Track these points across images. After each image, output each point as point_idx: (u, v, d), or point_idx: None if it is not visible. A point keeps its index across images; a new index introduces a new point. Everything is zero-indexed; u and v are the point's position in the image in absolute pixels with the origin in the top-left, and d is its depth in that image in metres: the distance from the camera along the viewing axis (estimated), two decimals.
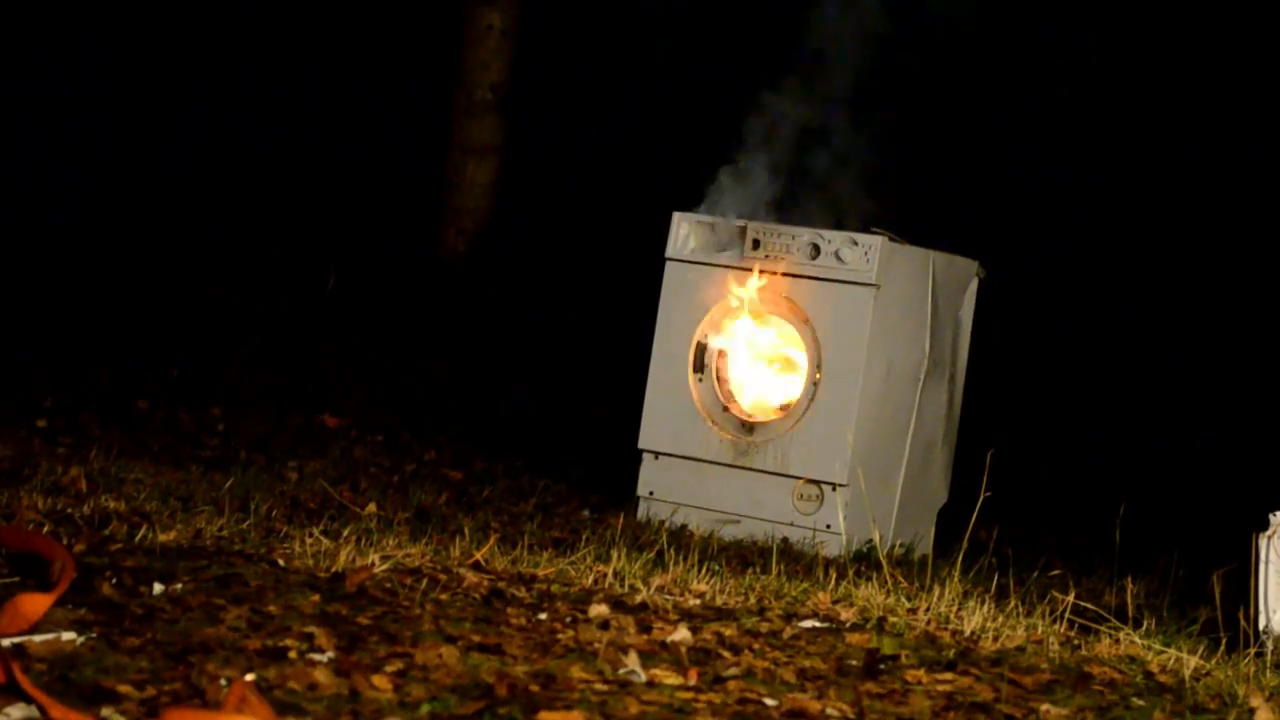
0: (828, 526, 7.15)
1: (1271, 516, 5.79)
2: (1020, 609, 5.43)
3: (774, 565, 6.04)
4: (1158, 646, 5.00)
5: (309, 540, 5.32)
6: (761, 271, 7.33)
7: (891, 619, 5.10)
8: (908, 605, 5.30)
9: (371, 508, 6.69)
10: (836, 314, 7.22)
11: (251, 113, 13.53)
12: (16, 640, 3.81)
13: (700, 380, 7.46)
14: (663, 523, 7.27)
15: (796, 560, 6.65)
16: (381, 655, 4.05)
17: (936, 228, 7.82)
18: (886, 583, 5.58)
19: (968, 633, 5.01)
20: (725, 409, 7.44)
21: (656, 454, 7.53)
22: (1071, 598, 5.42)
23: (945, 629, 5.05)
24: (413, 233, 12.25)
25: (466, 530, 6.11)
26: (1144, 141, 12.04)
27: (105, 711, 3.39)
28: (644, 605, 5.02)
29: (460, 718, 3.61)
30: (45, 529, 5.17)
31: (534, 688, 3.90)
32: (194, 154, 13.17)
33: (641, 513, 7.51)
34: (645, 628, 4.67)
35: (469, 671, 3.98)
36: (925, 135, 7.85)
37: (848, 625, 5.02)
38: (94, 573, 4.56)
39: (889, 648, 4.71)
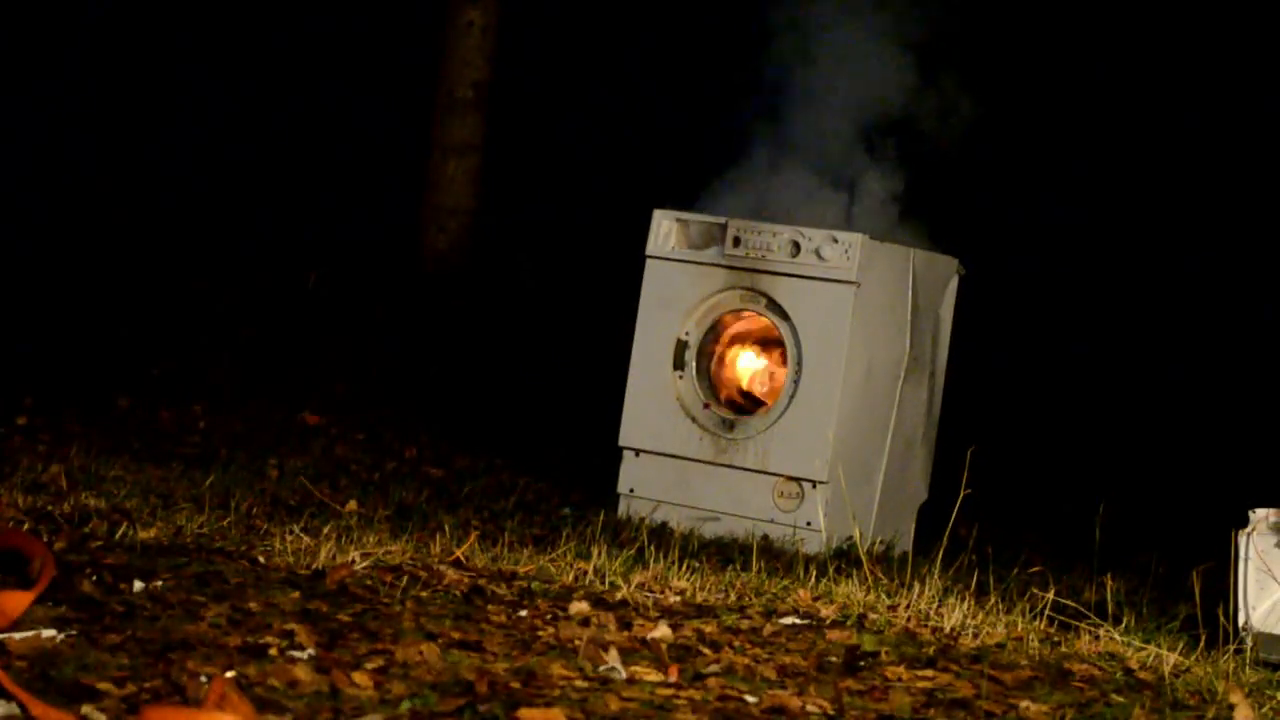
0: (808, 524, 7.16)
1: (1251, 514, 5.80)
2: (1000, 606, 5.44)
3: (754, 562, 6.04)
4: (1137, 643, 5.01)
5: (289, 538, 5.32)
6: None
7: (872, 616, 5.10)
8: (888, 602, 5.31)
9: (352, 505, 6.69)
10: (817, 311, 7.23)
11: (235, 110, 13.51)
12: None
13: (681, 378, 7.47)
14: (643, 520, 7.27)
15: (777, 557, 6.66)
16: (362, 652, 4.05)
17: (917, 225, 7.83)
18: (867, 580, 5.59)
19: (948, 629, 5.02)
20: (706, 406, 7.44)
21: (637, 451, 7.53)
22: (1051, 595, 5.43)
23: (925, 626, 5.06)
24: (394, 231, 12.24)
25: (447, 528, 6.12)
26: (1126, 139, 12.06)
27: (85, 709, 3.39)
28: (624, 602, 5.03)
29: (441, 715, 3.62)
30: (25, 526, 5.16)
31: (514, 685, 3.90)
32: (177, 152, 13.15)
33: (622, 510, 7.51)
34: (626, 625, 4.68)
35: (449, 669, 3.98)
36: (907, 132, 7.85)
37: (828, 622, 5.03)
38: (74, 570, 4.56)
39: (869, 644, 4.71)
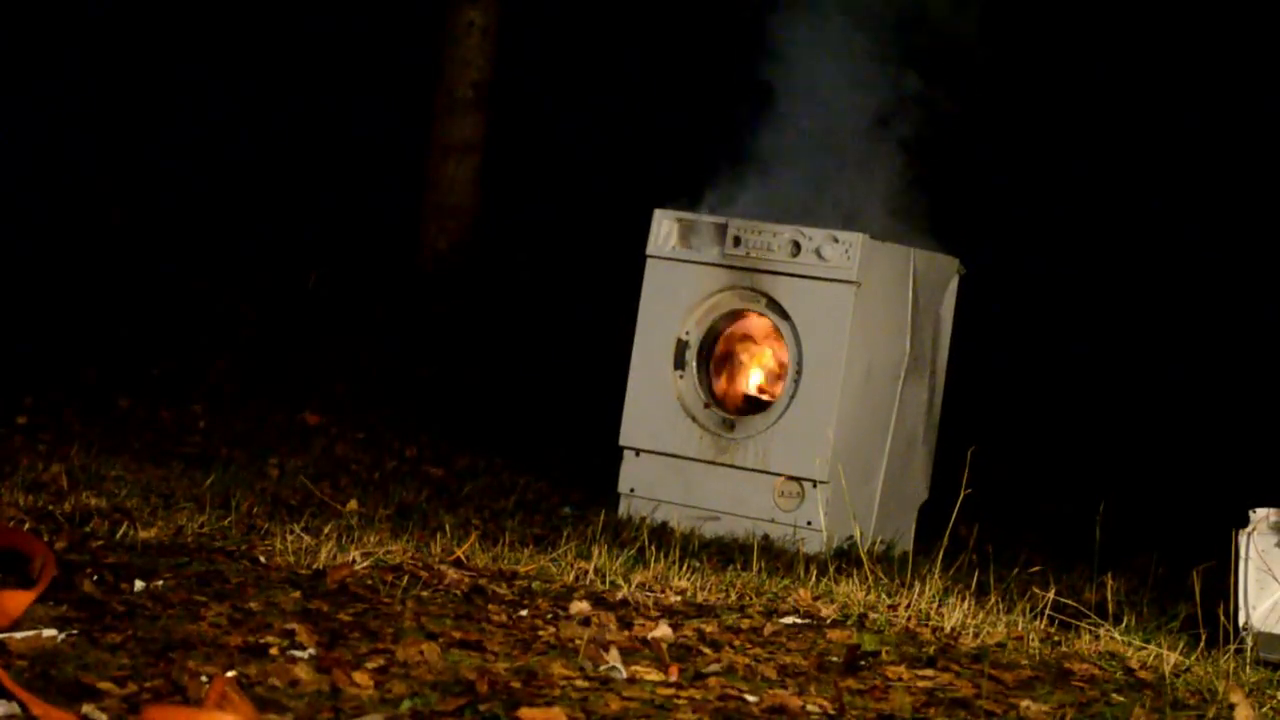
0: (808, 523, 7.16)
1: (1251, 513, 5.80)
2: (1000, 605, 5.44)
3: (755, 562, 6.04)
4: (1138, 643, 5.01)
5: (290, 537, 5.32)
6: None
7: (872, 615, 5.11)
8: (888, 602, 5.31)
9: (353, 505, 6.69)
10: (817, 311, 7.23)
11: (235, 110, 13.51)
12: None
13: (681, 377, 7.47)
14: (644, 519, 7.27)
15: (777, 557, 6.66)
16: (362, 652, 4.05)
17: (917, 225, 7.82)
18: (867, 579, 5.59)
19: (948, 629, 5.02)
20: (706, 405, 7.45)
21: (637, 451, 7.53)
22: (1051, 594, 5.43)
23: (926, 625, 5.06)
24: (394, 231, 12.24)
25: (448, 527, 6.12)
26: (1126, 139, 12.06)
27: (86, 708, 3.39)
28: (625, 602, 5.03)
29: (441, 714, 3.62)
30: (26, 526, 5.16)
31: (515, 684, 3.90)
32: (177, 152, 13.15)
33: (622, 510, 7.51)
34: (626, 624, 4.68)
35: (450, 668, 3.98)
36: (907, 131, 7.85)
37: (828, 622, 5.03)
38: (75, 570, 4.56)
39: (869, 644, 4.72)
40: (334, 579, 4.81)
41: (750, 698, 4.05)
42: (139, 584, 4.51)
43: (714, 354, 7.55)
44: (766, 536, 7.16)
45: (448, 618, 4.53)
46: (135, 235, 11.97)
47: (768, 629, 4.84)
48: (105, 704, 3.43)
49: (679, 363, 7.47)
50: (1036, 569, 6.70)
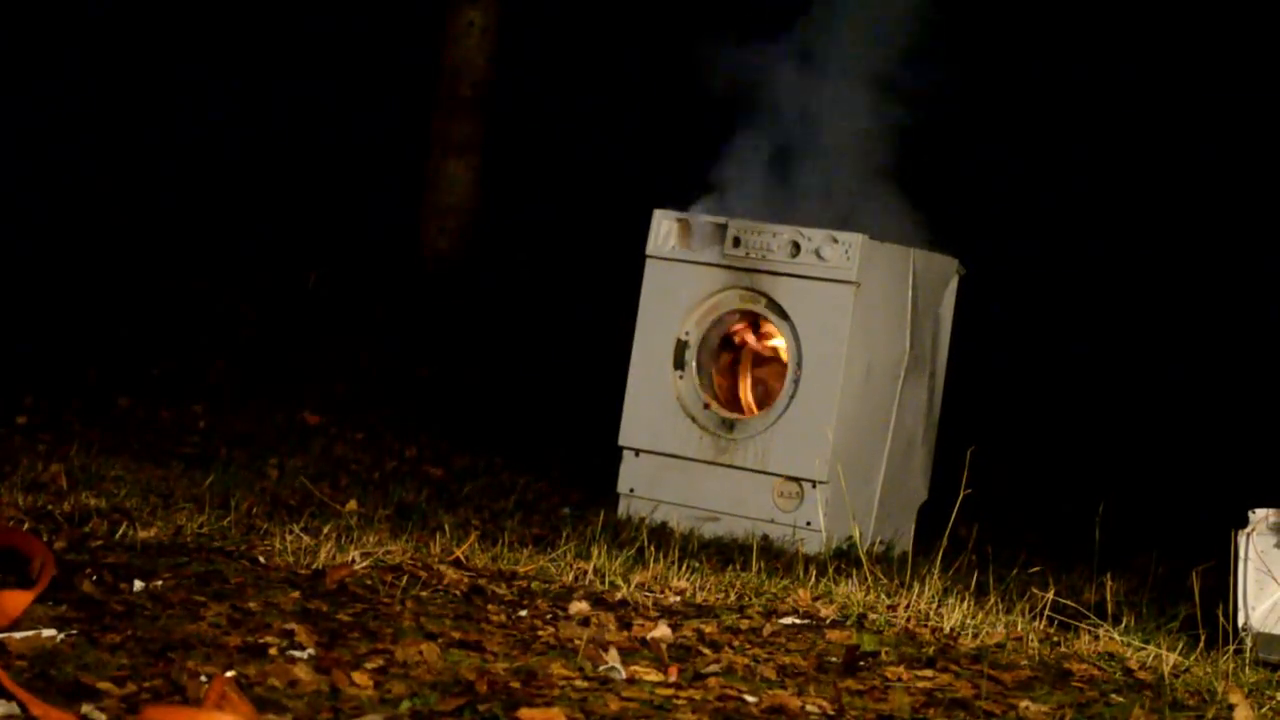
0: (808, 524, 7.16)
1: (1251, 514, 5.80)
2: (1000, 606, 5.44)
3: (754, 562, 6.04)
4: (1137, 643, 5.01)
5: (289, 537, 5.32)
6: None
7: (871, 616, 5.10)
8: (888, 602, 5.31)
9: (352, 505, 6.69)
10: (817, 311, 7.23)
11: (234, 110, 13.52)
12: None
13: (681, 377, 7.47)
14: (643, 520, 7.27)
15: (777, 557, 6.66)
16: (362, 652, 4.05)
17: (917, 225, 7.82)
18: (866, 580, 5.58)
19: (947, 630, 5.02)
20: (706, 406, 7.45)
21: (637, 451, 7.53)
22: (1051, 595, 5.43)
23: (925, 626, 5.06)
24: (394, 231, 12.24)
25: (447, 527, 6.11)
26: (1127, 138, 12.06)
27: (85, 708, 3.39)
28: (624, 602, 5.03)
29: (440, 715, 3.62)
30: (25, 526, 5.16)
31: (514, 684, 3.90)
32: (177, 152, 13.15)
33: (622, 510, 7.51)
34: (625, 625, 4.68)
35: (449, 668, 3.98)
36: (907, 130, 7.85)
37: (828, 622, 5.03)
38: (74, 570, 4.56)
39: (869, 644, 4.71)
40: (333, 579, 4.81)
41: (750, 698, 4.05)
42: (138, 584, 4.51)
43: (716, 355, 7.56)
44: (766, 537, 7.16)
45: (447, 618, 4.53)
46: (135, 235, 11.96)
47: (767, 629, 4.84)
48: (104, 704, 3.43)
49: (679, 363, 7.47)
50: (1036, 569, 6.69)
